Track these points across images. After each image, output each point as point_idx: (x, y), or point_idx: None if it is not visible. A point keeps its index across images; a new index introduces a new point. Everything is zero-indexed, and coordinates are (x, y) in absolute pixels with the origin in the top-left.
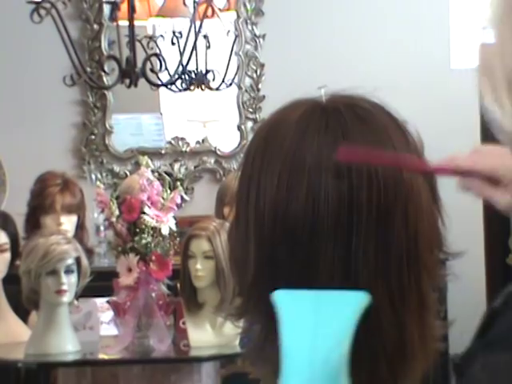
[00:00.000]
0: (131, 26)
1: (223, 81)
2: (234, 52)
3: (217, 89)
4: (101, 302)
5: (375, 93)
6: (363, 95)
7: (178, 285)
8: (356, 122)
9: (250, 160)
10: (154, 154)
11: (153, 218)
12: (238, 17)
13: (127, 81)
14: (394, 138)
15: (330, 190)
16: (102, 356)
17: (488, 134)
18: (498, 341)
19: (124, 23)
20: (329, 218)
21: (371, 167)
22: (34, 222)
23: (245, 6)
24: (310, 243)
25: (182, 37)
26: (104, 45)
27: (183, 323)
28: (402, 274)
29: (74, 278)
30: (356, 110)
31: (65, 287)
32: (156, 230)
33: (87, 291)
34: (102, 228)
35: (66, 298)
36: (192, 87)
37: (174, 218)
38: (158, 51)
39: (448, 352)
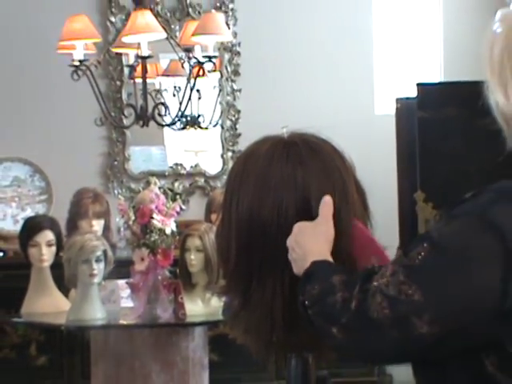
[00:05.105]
0: (144, 83)
1: (210, 122)
2: (218, 102)
3: (206, 128)
4: (121, 282)
5: (321, 131)
6: (313, 133)
7: (178, 270)
8: (309, 152)
9: (231, 180)
10: (160, 175)
11: (159, 222)
12: (221, 76)
13: (141, 122)
14: (337, 163)
15: (289, 201)
16: (122, 322)
17: (403, 170)
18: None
19: (139, 80)
20: (287, 220)
21: (322, 184)
22: (72, 225)
23: (226, 68)
24: (275, 237)
25: (180, 90)
26: (124, 96)
27: (181, 298)
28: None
29: (102, 265)
30: (309, 144)
31: (95, 272)
32: (162, 231)
33: (111, 275)
34: (122, 229)
35: (96, 279)
36: (187, 127)
37: (175, 221)
38: (163, 101)
39: None
